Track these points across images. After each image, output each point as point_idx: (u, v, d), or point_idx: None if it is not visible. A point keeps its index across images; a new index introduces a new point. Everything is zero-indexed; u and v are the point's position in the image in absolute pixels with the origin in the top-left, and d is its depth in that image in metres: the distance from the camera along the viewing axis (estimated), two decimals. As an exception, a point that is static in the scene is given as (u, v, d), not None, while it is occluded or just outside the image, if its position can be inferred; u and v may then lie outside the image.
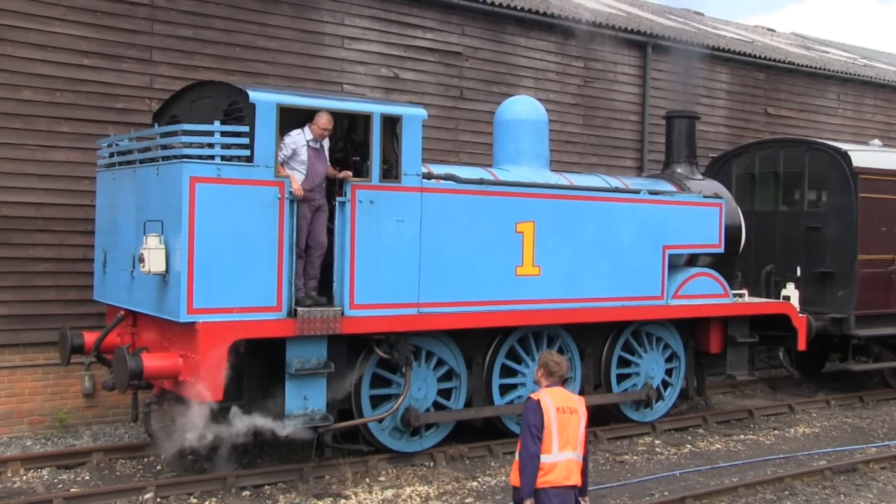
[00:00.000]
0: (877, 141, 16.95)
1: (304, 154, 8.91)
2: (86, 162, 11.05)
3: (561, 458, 6.05)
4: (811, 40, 25.89)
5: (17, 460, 9.59)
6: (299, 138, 8.93)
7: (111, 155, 10.13)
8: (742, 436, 11.93)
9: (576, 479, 6.12)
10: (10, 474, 9.38)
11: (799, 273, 13.70)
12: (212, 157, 8.52)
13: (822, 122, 19.17)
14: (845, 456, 10.99)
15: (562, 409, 6.11)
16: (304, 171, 8.90)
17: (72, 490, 8.91)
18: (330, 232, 9.12)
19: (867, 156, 14.40)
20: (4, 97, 10.77)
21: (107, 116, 11.32)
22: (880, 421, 13.22)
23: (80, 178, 11.14)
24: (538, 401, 6.08)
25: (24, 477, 9.38)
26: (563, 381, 6.37)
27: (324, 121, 8.99)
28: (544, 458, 6.02)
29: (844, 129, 19.41)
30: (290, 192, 8.71)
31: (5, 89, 10.77)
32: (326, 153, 9.19)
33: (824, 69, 19.13)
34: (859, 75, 19.84)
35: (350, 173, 9.13)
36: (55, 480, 9.31)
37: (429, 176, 9.85)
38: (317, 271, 9.04)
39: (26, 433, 10.86)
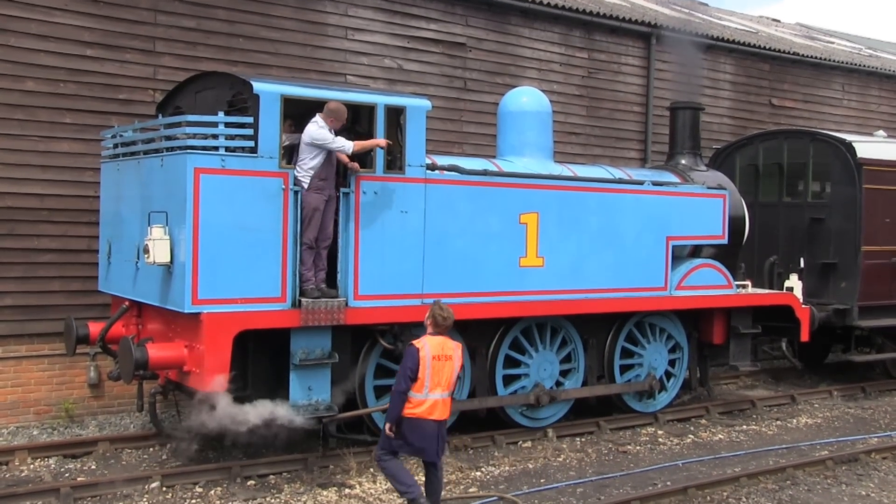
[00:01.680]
0: (881, 132, 16.91)
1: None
2: (89, 153, 11.08)
3: (430, 397, 7.23)
4: (816, 31, 25.82)
5: (24, 449, 9.64)
6: (319, 127, 8.80)
7: (115, 146, 10.16)
8: (744, 426, 11.96)
9: (440, 415, 7.29)
10: (17, 463, 9.43)
11: (802, 264, 13.71)
12: (216, 148, 8.54)
13: (827, 113, 19.14)
14: (847, 446, 11.02)
15: (437, 357, 7.24)
16: (325, 163, 8.83)
17: (78, 479, 8.96)
18: (334, 223, 9.13)
19: (872, 147, 14.38)
20: (7, 88, 10.78)
21: (110, 107, 11.33)
22: (882, 411, 13.25)
23: (83, 170, 11.16)
24: (418, 349, 7.21)
25: (32, 466, 9.43)
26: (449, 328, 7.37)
27: (341, 113, 8.93)
28: (415, 396, 7.18)
29: (849, 120, 19.38)
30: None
31: (8, 80, 10.78)
32: None
33: (829, 60, 19.09)
34: (864, 66, 19.79)
35: (357, 165, 9.14)
36: (62, 469, 9.36)
37: (433, 167, 9.86)
38: (324, 262, 9.05)
39: (33, 423, 10.92)
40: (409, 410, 7.21)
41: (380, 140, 9.01)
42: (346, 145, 8.81)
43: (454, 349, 7.37)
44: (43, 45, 10.96)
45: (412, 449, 7.39)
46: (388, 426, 7.32)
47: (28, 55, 10.88)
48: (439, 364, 7.24)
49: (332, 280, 9.16)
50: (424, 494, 7.45)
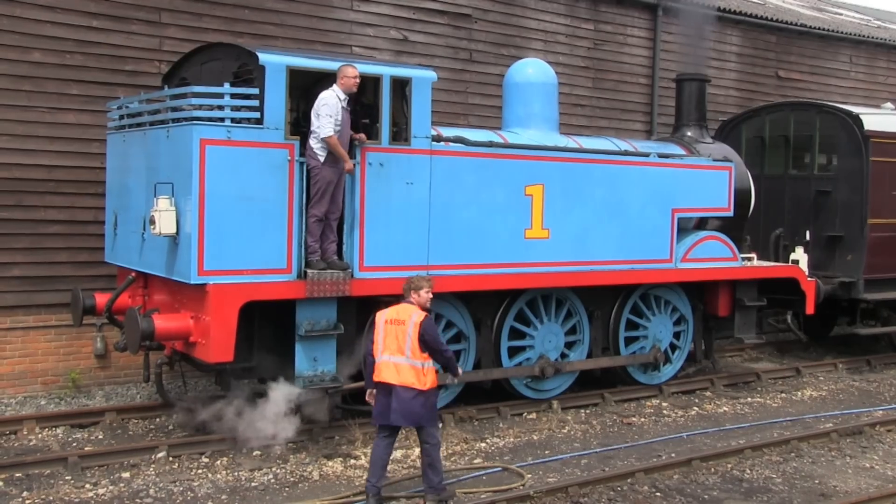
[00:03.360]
0: (889, 104, 16.82)
1: (340, 118, 8.74)
2: (96, 124, 11.07)
3: (381, 359, 7.41)
4: (824, 1, 25.58)
5: (32, 419, 9.73)
6: (335, 100, 8.69)
7: (121, 117, 10.15)
8: (749, 398, 12.00)
9: (391, 377, 7.33)
10: (25, 432, 9.52)
11: (808, 237, 13.69)
12: (222, 120, 8.53)
13: (834, 85, 19.01)
14: (852, 419, 11.06)
15: (390, 321, 7.43)
16: (338, 134, 8.73)
17: (86, 448, 9.05)
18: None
19: (879, 119, 14.31)
20: (14, 59, 10.76)
21: (116, 79, 11.31)
22: (887, 384, 13.28)
23: (90, 141, 11.16)
24: (375, 317, 7.61)
25: (40, 435, 9.52)
26: (418, 297, 7.55)
27: (351, 70, 8.83)
28: (376, 360, 7.45)
29: (856, 93, 19.25)
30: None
31: (15, 51, 10.76)
32: (349, 115, 8.98)
33: (836, 31, 18.94)
34: (872, 37, 19.64)
35: (364, 136, 9.11)
36: (69, 439, 9.45)
37: (438, 139, 9.84)
38: (335, 234, 9.03)
39: (40, 393, 11.00)
40: (375, 377, 7.49)
41: (348, 163, 8.76)
42: (323, 130, 8.64)
43: (409, 315, 7.38)
44: (50, 17, 10.92)
45: (374, 413, 7.55)
46: (367, 393, 7.70)
47: (35, 26, 10.85)
48: (391, 328, 7.40)
49: (337, 251, 9.17)
50: (373, 490, 7.47)
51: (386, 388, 7.40)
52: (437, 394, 7.93)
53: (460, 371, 8.03)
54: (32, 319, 11.02)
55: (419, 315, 7.42)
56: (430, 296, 7.71)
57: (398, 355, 7.35)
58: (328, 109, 8.66)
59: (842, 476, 8.92)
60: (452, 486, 8.01)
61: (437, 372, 7.57)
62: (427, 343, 7.34)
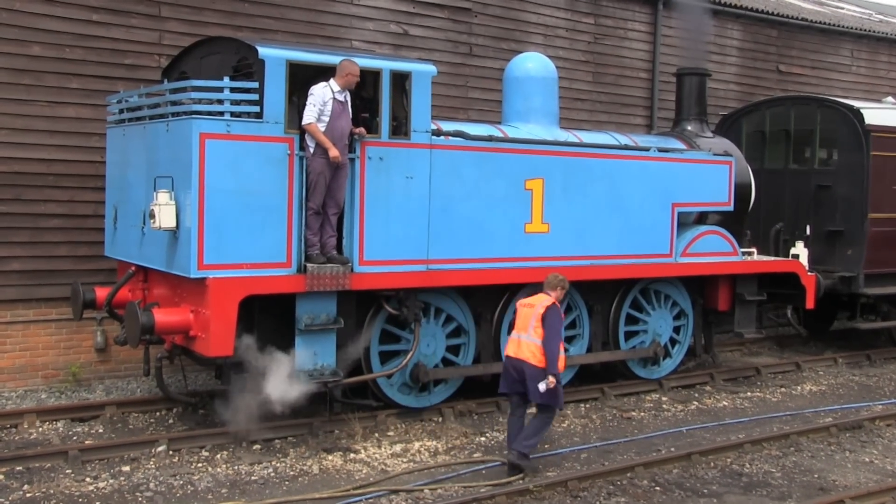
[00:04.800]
0: (890, 98, 16.80)
1: (328, 108, 8.74)
2: (96, 118, 11.06)
3: (511, 336, 8.54)
4: (825, -4, 25.55)
5: (32, 412, 9.74)
6: (325, 91, 8.73)
7: (121, 111, 10.14)
8: (749, 393, 12.01)
9: (522, 354, 8.28)
10: (26, 426, 9.53)
11: (808, 231, 13.69)
12: (221, 114, 8.52)
13: (835, 80, 18.98)
14: (851, 413, 11.07)
15: (525, 305, 8.53)
16: (324, 127, 8.74)
17: (86, 442, 9.06)
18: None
19: (880, 113, 14.30)
20: (13, 53, 10.75)
21: (116, 73, 11.30)
22: (887, 379, 13.28)
23: (90, 135, 11.15)
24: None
25: (40, 429, 9.53)
26: (553, 291, 8.53)
27: (353, 67, 8.85)
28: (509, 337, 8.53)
29: (857, 87, 19.22)
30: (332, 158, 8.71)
31: (14, 45, 10.75)
32: (349, 109, 8.98)
33: (838, 25, 18.90)
34: (874, 31, 19.60)
35: (363, 130, 9.11)
36: (70, 433, 9.46)
37: (438, 133, 9.83)
38: (335, 229, 9.04)
39: (41, 386, 11.01)
40: (505, 351, 8.61)
41: (332, 150, 8.65)
42: (304, 118, 8.67)
43: (541, 301, 8.41)
44: (49, 10, 10.91)
45: (505, 382, 8.55)
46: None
47: (34, 20, 10.84)
48: (524, 310, 8.48)
49: (337, 245, 9.17)
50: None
51: (508, 360, 8.43)
52: (559, 375, 8.35)
53: (561, 365, 8.38)
54: (32, 313, 11.02)
55: (548, 300, 8.45)
56: (561, 295, 8.65)
57: (522, 332, 8.38)
58: (313, 99, 8.68)
59: (841, 470, 8.93)
60: (537, 462, 8.62)
61: (561, 356, 8.36)
62: (544, 323, 8.25)
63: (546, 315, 8.29)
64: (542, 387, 8.15)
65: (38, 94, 10.91)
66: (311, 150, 8.73)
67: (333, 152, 8.69)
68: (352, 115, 9.02)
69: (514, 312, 8.77)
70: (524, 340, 8.35)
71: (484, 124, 11.20)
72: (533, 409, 8.66)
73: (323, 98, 8.70)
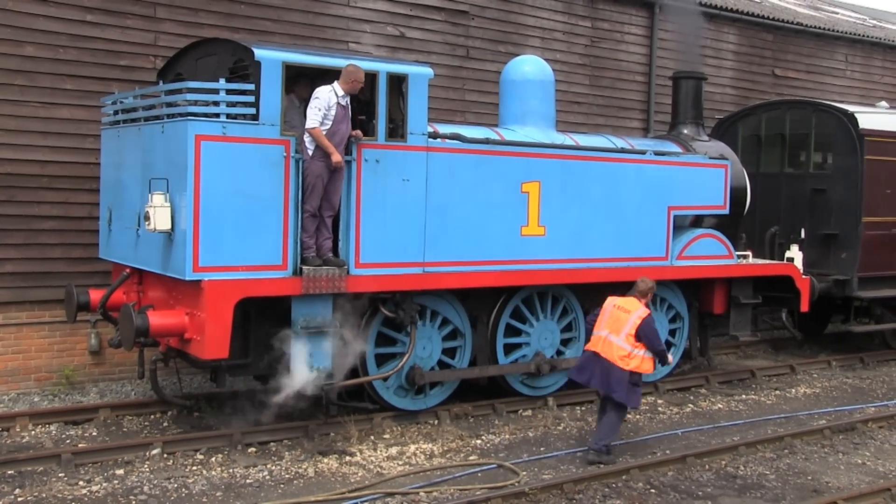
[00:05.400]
0: (884, 103, 16.84)
1: (332, 113, 8.73)
2: (90, 119, 11.02)
3: (600, 333, 8.97)
4: (820, 0, 25.62)
5: (25, 416, 9.68)
6: (331, 95, 8.73)
7: (116, 113, 10.10)
8: (744, 396, 12.01)
9: (608, 354, 8.83)
10: (18, 429, 9.48)
11: (803, 235, 13.71)
12: (217, 115, 8.50)
13: (830, 84, 19.03)
14: (845, 415, 11.09)
15: (618, 307, 9.00)
16: (326, 130, 8.72)
17: (80, 445, 9.01)
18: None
19: (874, 118, 14.34)
20: (7, 53, 10.70)
21: (111, 74, 11.26)
22: (880, 381, 13.31)
23: (84, 136, 11.11)
24: (605, 302, 9.20)
25: (33, 432, 9.48)
26: (644, 298, 9.12)
27: (359, 73, 8.85)
28: (594, 332, 9.03)
29: (852, 91, 19.27)
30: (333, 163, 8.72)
31: (7, 45, 10.69)
32: (349, 113, 8.96)
33: (833, 30, 18.96)
34: (868, 36, 19.66)
35: (360, 133, 9.09)
36: (63, 436, 9.41)
37: (434, 135, 9.83)
38: (331, 232, 9.02)
39: (34, 389, 10.95)
40: (588, 346, 9.16)
41: (335, 155, 8.68)
42: (309, 122, 8.67)
43: (636, 309, 8.92)
44: (43, 10, 10.87)
45: (584, 379, 9.14)
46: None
47: (28, 20, 10.79)
48: (616, 312, 8.95)
49: (333, 248, 9.15)
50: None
51: (594, 356, 8.93)
52: (640, 379, 9.05)
53: (670, 358, 9.56)
54: (26, 316, 10.97)
55: (644, 312, 8.92)
56: (650, 299, 9.26)
57: (614, 335, 8.85)
58: (318, 103, 8.67)
59: (834, 472, 8.94)
60: (614, 455, 9.03)
61: (648, 360, 8.95)
62: (643, 336, 8.82)
63: (642, 328, 8.82)
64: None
65: (32, 94, 10.86)
66: (310, 153, 8.71)
67: (336, 157, 8.68)
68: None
69: (597, 311, 9.24)
70: (615, 343, 8.84)
71: (481, 127, 11.21)
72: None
73: (328, 102, 8.69)
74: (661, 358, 9.15)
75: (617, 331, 8.85)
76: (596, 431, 9.18)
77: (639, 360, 8.88)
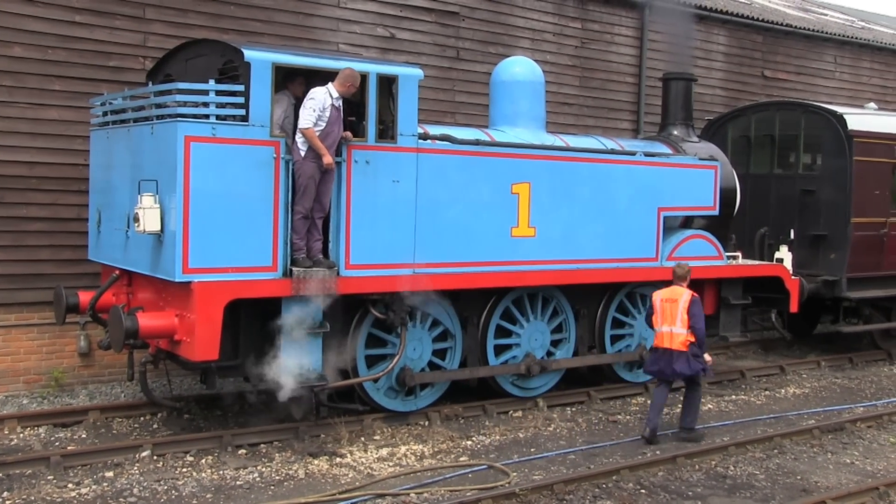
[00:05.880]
0: (872, 104, 16.91)
1: (326, 115, 8.72)
2: (79, 121, 10.98)
3: (662, 329, 9.71)
4: (809, 2, 25.71)
5: (13, 418, 9.64)
6: (326, 97, 8.72)
7: (105, 114, 10.08)
8: (733, 396, 12.04)
9: (675, 345, 9.60)
10: (6, 432, 9.44)
11: (793, 236, 13.75)
12: (207, 117, 8.48)
13: (819, 85, 19.10)
14: (834, 415, 11.13)
15: (665, 300, 9.70)
16: (320, 131, 8.71)
17: (69, 447, 8.98)
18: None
19: (863, 119, 14.39)
20: (-5, 54, 10.68)
21: (100, 75, 11.22)
22: (868, 381, 13.37)
23: (73, 137, 11.07)
24: (651, 296, 10.01)
25: (22, 435, 9.44)
26: (684, 281, 9.87)
27: (356, 78, 8.86)
28: (655, 330, 9.84)
29: (841, 93, 19.35)
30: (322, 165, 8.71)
31: (-5, 46, 10.67)
32: (342, 115, 8.95)
33: (822, 32, 19.03)
34: (857, 38, 19.74)
35: (350, 134, 9.08)
36: (52, 438, 9.37)
37: (425, 136, 9.83)
38: (321, 233, 9.00)
39: (22, 392, 10.91)
40: (654, 343, 9.92)
41: (326, 157, 8.66)
42: (302, 122, 8.65)
43: (681, 295, 9.67)
44: (31, 11, 10.83)
45: (651, 370, 9.99)
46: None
47: (16, 20, 10.75)
48: (666, 305, 9.67)
49: (323, 249, 9.13)
50: (653, 429, 9.69)
51: (663, 351, 9.67)
52: (698, 350, 9.67)
53: (707, 358, 9.90)
54: (14, 318, 10.92)
55: (688, 294, 9.70)
56: (688, 281, 9.94)
57: (672, 325, 9.60)
58: (313, 103, 8.66)
59: (823, 472, 8.97)
60: (701, 432, 9.94)
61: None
62: (691, 315, 9.52)
63: (692, 307, 9.60)
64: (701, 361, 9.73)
65: (20, 95, 10.82)
66: (303, 154, 8.68)
67: (328, 159, 8.67)
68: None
69: (651, 306, 9.96)
70: (675, 333, 9.63)
71: (471, 128, 11.21)
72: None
73: (323, 104, 8.68)
74: (700, 340, 9.63)
75: (672, 321, 9.60)
76: (681, 415, 10.01)
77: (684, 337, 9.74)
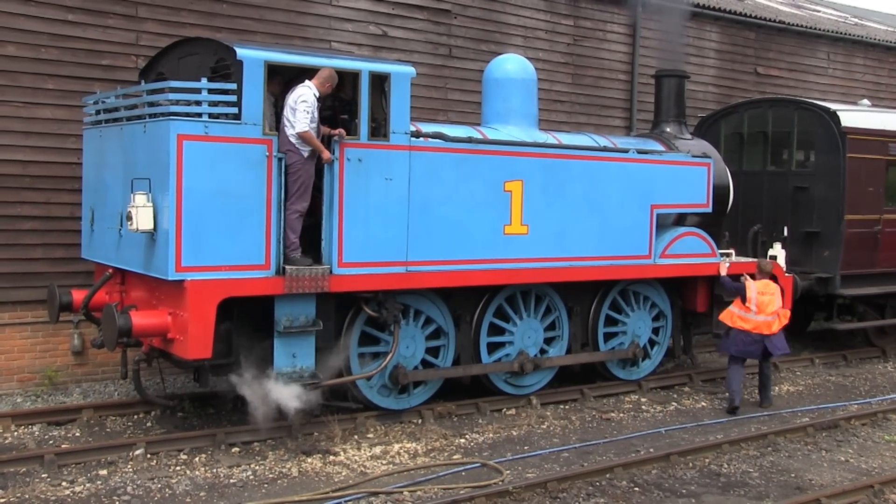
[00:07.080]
0: (866, 101, 16.95)
1: (316, 115, 8.81)
2: (72, 119, 10.97)
3: (758, 319, 10.89)
4: (802, -1, 25.75)
5: (7, 417, 9.64)
6: (314, 98, 8.79)
7: (97, 112, 10.06)
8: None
9: (764, 330, 10.91)
10: (1, 430, 9.44)
11: (786, 233, 13.77)
12: (199, 115, 8.47)
13: (812, 82, 19.13)
14: (827, 413, 11.16)
15: (761, 293, 10.93)
16: (315, 130, 8.79)
17: (62, 446, 8.98)
18: (318, 190, 9.09)
19: (856, 116, 14.41)
20: (-12, 53, 10.66)
21: (93, 73, 11.21)
22: (862, 379, 13.39)
23: (66, 136, 11.06)
24: (744, 282, 11.08)
25: (16, 433, 9.44)
26: (768, 275, 11.29)
27: (334, 77, 8.94)
28: (745, 315, 10.96)
29: (834, 89, 19.38)
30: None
31: (-11, 45, 10.65)
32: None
33: (815, 28, 19.06)
34: (850, 34, 19.77)
35: (343, 131, 9.08)
36: (46, 437, 9.37)
37: (417, 134, 9.83)
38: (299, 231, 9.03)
39: (16, 390, 10.90)
40: (740, 324, 10.95)
41: (325, 153, 8.78)
42: (299, 125, 8.68)
43: (774, 288, 11.08)
44: (24, 10, 10.81)
45: (743, 351, 11.02)
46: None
47: (9, 19, 10.73)
48: (762, 297, 10.89)
49: (316, 248, 9.14)
50: (741, 399, 11.19)
51: (756, 336, 10.90)
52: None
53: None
54: (8, 316, 10.91)
55: (776, 287, 11.10)
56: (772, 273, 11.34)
57: (767, 315, 10.87)
58: (306, 105, 8.69)
59: (817, 469, 8.99)
60: (773, 399, 11.52)
61: (785, 313, 11.21)
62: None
63: (783, 296, 11.25)
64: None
65: (13, 94, 10.80)
66: (305, 155, 8.73)
67: (327, 154, 8.78)
68: (329, 117, 8.99)
69: (744, 289, 11.00)
70: (771, 321, 10.90)
71: (463, 126, 11.20)
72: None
73: (314, 105, 8.76)
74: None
75: (766, 311, 10.86)
76: (760, 392, 11.50)
77: (784, 317, 11.15)
